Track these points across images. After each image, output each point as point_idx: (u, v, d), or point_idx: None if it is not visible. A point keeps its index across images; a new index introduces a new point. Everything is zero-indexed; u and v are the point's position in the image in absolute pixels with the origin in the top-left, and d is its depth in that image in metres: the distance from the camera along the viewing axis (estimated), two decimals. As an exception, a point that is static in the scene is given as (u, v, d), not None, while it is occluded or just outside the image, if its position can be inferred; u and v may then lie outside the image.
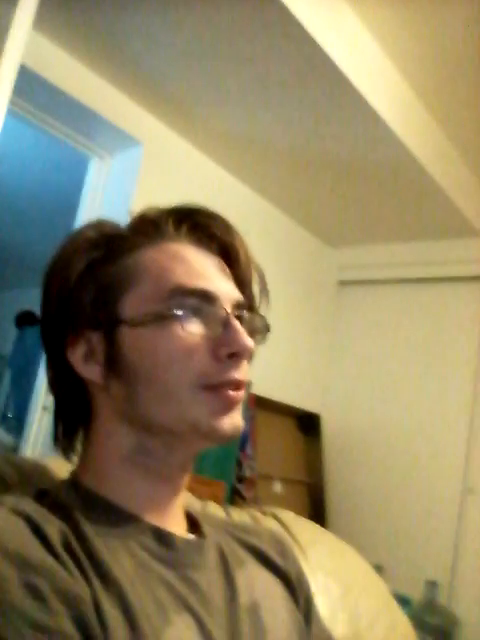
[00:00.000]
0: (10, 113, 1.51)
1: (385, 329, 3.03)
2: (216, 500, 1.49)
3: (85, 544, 0.54)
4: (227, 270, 0.67)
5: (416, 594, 2.22)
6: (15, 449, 2.91)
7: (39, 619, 0.45)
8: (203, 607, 0.57)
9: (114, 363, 0.62)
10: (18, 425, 3.32)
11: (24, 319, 4.10)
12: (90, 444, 0.65)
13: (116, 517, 0.60)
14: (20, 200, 3.84)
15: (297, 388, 3.03)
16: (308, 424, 3.08)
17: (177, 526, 0.65)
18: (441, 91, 2.19)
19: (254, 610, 0.63)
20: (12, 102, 1.50)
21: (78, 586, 0.50)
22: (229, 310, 0.62)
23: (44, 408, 2.21)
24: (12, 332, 4.34)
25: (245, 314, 0.66)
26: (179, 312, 0.60)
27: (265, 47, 1.83)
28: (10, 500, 0.55)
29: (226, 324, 0.61)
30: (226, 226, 0.69)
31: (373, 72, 2.03)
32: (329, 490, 2.95)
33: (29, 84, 1.89)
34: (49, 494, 0.61)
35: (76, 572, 0.51)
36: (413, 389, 2.84)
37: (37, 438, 2.25)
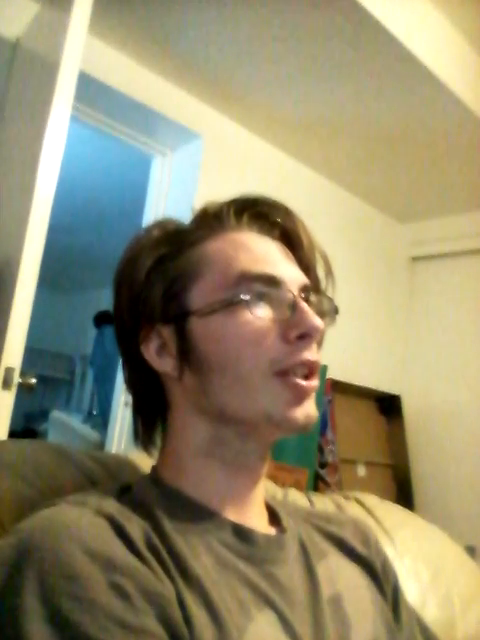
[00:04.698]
0: (72, 119, 1.55)
1: (463, 303, 2.93)
2: (299, 487, 1.49)
3: (166, 542, 0.55)
4: (291, 255, 0.67)
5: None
6: (101, 445, 3.01)
7: (126, 618, 0.46)
8: (285, 602, 0.57)
9: (186, 354, 0.62)
10: (103, 422, 3.44)
11: (102, 319, 4.22)
12: (168, 438, 0.66)
13: (195, 513, 0.60)
14: (91, 204, 3.95)
15: (375, 370, 2.99)
16: (389, 406, 3.02)
17: (257, 519, 0.65)
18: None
19: (337, 602, 0.63)
20: (73, 108, 1.54)
21: (162, 585, 0.50)
22: (295, 293, 0.62)
23: (126, 404, 2.27)
24: (92, 332, 4.47)
25: (312, 297, 0.65)
26: (246, 297, 0.60)
27: (321, 25, 1.79)
28: (94, 500, 0.57)
29: (294, 306, 0.61)
30: (287, 212, 0.68)
31: (434, 39, 1.95)
32: (414, 471, 2.89)
33: (88, 88, 1.93)
34: (131, 490, 0.63)
35: (160, 571, 0.51)
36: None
37: (121, 433, 2.32)
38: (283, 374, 0.60)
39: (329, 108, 2.25)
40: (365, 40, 1.83)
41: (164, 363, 0.64)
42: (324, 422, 2.54)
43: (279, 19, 1.80)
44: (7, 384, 1.39)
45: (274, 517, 0.69)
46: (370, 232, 3.05)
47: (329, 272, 0.69)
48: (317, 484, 2.44)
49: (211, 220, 0.67)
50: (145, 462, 0.78)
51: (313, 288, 0.67)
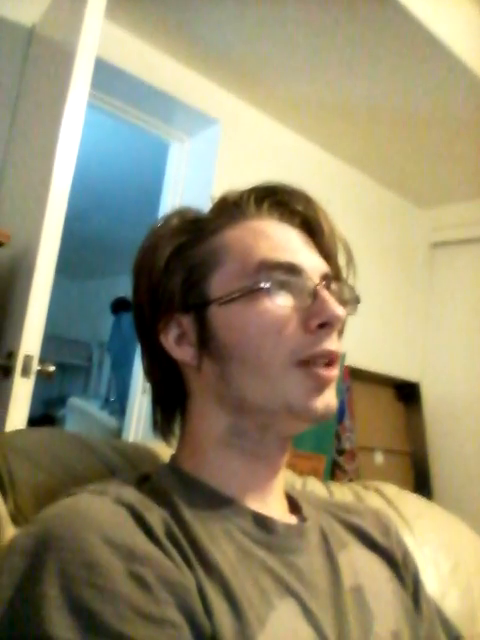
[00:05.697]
0: (89, 106, 1.54)
1: (484, 290, 2.89)
2: (316, 474, 1.48)
3: (186, 531, 0.55)
4: (312, 243, 0.66)
5: None
6: (119, 431, 3.03)
7: (146, 608, 0.46)
8: (306, 591, 0.57)
9: (206, 343, 0.62)
10: (120, 408, 3.47)
11: (119, 305, 4.23)
12: (187, 427, 0.66)
13: (215, 501, 0.60)
14: (107, 191, 3.95)
15: (394, 357, 2.97)
16: (407, 393, 3.01)
17: (277, 508, 0.65)
18: None
19: (359, 592, 0.62)
20: (90, 94, 1.53)
21: (182, 575, 0.50)
22: (316, 281, 0.61)
23: (143, 391, 2.28)
24: (109, 319, 4.49)
25: (333, 285, 0.64)
26: (266, 285, 0.59)
27: (340, 8, 1.76)
28: (113, 489, 0.57)
29: (315, 295, 0.60)
30: (307, 200, 0.68)
31: (456, 21, 1.91)
32: (433, 459, 2.88)
33: (104, 75, 1.92)
34: (150, 479, 0.63)
35: (180, 561, 0.51)
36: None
37: (139, 420, 2.33)
38: (304, 364, 0.59)
39: (348, 92, 2.22)
40: (385, 22, 1.80)
41: (183, 352, 0.64)
42: (342, 409, 2.54)
43: (297, 2, 1.77)
44: (26, 372, 1.39)
45: (294, 506, 0.69)
46: (389, 218, 3.01)
47: (350, 260, 0.68)
48: (334, 472, 2.44)
49: (231, 208, 0.67)
50: (164, 451, 0.78)
51: (334, 276, 0.66)
